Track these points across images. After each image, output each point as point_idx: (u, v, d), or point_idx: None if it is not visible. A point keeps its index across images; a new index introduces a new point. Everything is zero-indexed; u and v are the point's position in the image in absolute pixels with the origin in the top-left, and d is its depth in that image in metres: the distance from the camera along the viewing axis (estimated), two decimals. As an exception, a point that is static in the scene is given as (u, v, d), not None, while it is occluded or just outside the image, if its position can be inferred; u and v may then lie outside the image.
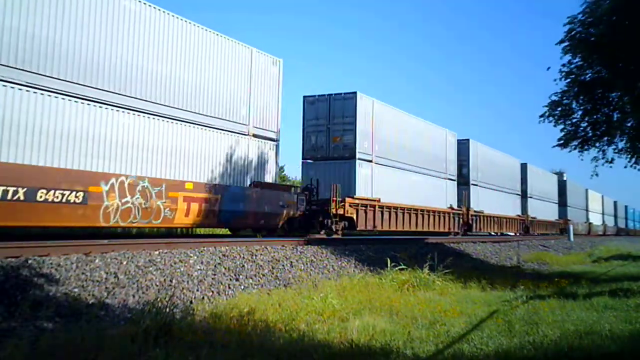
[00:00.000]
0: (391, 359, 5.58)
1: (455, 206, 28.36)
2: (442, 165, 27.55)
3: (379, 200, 21.16)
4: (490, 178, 33.62)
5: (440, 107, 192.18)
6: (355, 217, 19.55)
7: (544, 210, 42.90)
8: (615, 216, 73.56)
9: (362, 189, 20.43)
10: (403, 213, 22.97)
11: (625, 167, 14.11)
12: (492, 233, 33.14)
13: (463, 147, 30.78)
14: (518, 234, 35.86)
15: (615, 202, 74.38)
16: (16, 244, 8.79)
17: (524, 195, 39.34)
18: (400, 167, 23.57)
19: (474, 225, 30.43)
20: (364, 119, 20.85)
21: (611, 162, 14.04)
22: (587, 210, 55.53)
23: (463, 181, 30.35)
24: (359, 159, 20.43)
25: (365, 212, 20.25)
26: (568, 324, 7.30)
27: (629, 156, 13.94)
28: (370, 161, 21.28)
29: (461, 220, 28.90)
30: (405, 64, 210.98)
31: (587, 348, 6.02)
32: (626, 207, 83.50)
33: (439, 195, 26.99)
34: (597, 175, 14.51)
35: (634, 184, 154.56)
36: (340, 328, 6.78)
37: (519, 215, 38.35)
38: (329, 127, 20.70)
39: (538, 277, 14.62)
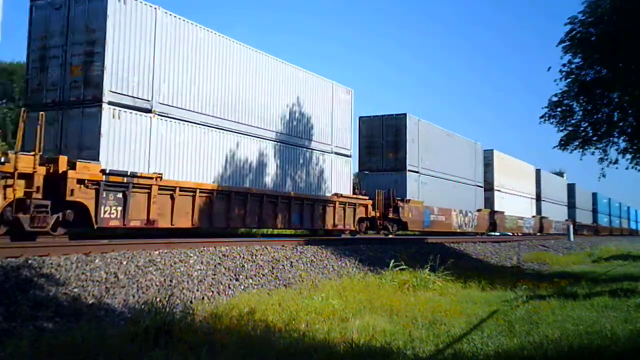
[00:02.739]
0: (391, 359, 5.58)
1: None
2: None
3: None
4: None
5: (455, 113, 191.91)
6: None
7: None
8: (572, 206, 50.92)
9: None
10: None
11: (627, 168, 14.09)
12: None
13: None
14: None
15: (572, 186, 51.77)
16: (16, 244, 8.80)
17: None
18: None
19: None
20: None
21: (615, 162, 14.02)
22: (493, 189, 33.06)
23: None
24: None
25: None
26: (568, 324, 7.30)
27: (630, 156, 13.92)
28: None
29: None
30: (414, 67, 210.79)
31: (587, 348, 6.01)
32: (595, 194, 59.44)
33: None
34: (604, 176, 14.49)
35: (633, 183, 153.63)
36: (340, 328, 6.78)
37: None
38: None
39: (538, 277, 14.63)
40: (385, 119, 24.02)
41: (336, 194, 19.15)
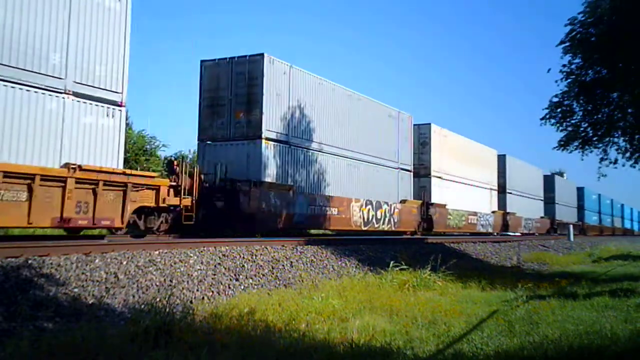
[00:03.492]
0: (391, 359, 5.58)
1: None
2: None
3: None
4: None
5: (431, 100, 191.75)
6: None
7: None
8: (551, 202, 43.73)
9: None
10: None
11: (624, 165, 14.12)
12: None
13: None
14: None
15: (550, 177, 44.92)
16: (16, 244, 8.81)
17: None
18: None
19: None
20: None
21: (615, 162, 14.05)
22: (430, 175, 25.66)
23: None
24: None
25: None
26: (568, 324, 7.30)
27: (629, 155, 13.95)
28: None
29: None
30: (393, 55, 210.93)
31: (587, 348, 6.01)
32: (581, 189, 51.88)
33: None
34: (604, 176, 14.50)
35: (628, 181, 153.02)
36: (340, 328, 6.78)
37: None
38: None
39: (538, 277, 14.64)
40: (236, 63, 16.43)
41: (68, 165, 10.57)
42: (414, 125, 25.55)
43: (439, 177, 26.55)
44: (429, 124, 26.19)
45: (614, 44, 11.88)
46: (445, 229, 26.21)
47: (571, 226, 39.20)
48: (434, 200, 25.43)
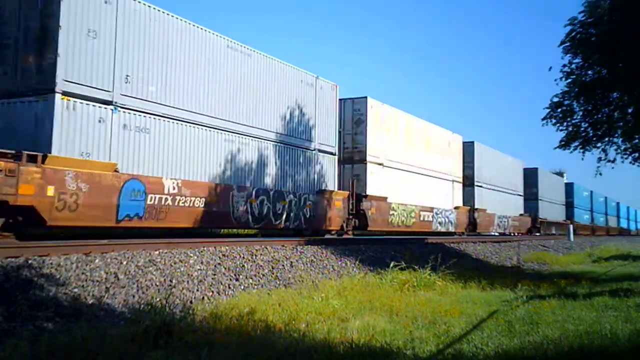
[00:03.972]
0: (391, 359, 5.58)
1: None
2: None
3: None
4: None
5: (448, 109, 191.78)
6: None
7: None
8: (533, 198, 39.15)
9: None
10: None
11: (622, 162, 14.14)
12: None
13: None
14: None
15: (532, 171, 39.39)
16: (16, 244, 8.81)
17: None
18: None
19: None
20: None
21: (613, 161, 14.07)
22: (365, 162, 20.26)
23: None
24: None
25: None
26: (568, 324, 7.30)
27: (628, 155, 13.96)
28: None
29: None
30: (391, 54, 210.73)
31: (588, 348, 6.01)
32: (570, 185, 47.78)
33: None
34: (600, 174, 14.54)
35: (634, 183, 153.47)
36: (340, 328, 6.78)
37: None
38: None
39: (538, 277, 14.63)
40: None
41: None
42: (348, 99, 20.41)
43: (379, 164, 20.98)
44: (365, 97, 20.50)
45: (614, 44, 11.87)
46: (387, 227, 21.20)
47: (571, 226, 38.97)
48: (371, 191, 20.09)
